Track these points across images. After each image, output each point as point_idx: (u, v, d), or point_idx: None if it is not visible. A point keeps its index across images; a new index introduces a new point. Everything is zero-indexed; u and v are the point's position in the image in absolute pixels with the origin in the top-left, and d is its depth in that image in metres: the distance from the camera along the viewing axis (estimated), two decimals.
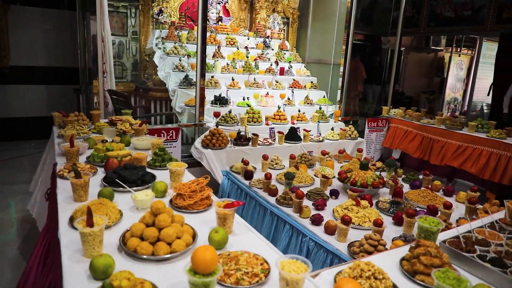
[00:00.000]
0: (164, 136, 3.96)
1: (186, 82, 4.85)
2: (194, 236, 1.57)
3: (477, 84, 7.97)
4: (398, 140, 5.34)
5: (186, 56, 5.20)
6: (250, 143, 4.33)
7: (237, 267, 1.33)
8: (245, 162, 3.92)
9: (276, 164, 4.23)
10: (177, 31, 5.51)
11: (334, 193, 3.45)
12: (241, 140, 4.28)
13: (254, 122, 4.62)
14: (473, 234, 1.67)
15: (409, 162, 5.51)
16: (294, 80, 5.71)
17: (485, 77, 8.17)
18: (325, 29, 6.88)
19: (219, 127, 4.22)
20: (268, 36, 6.43)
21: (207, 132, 4.20)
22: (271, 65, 5.75)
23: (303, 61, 6.49)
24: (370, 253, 2.36)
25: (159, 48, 5.26)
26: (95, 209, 1.65)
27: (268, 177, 3.52)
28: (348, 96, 5.75)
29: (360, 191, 3.32)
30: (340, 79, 5.32)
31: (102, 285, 1.18)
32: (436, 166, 4.85)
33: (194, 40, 5.38)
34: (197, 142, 4.17)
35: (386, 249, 2.19)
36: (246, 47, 5.83)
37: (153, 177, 2.21)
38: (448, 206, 3.00)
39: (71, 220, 1.68)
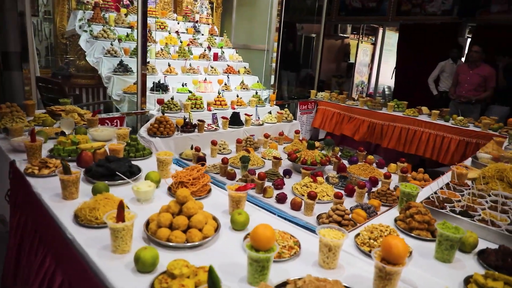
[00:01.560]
0: (108, 126, 3.72)
1: (122, 68, 4.55)
2: (216, 221, 1.61)
3: (382, 69, 9.00)
4: (327, 121, 5.84)
5: (117, 40, 4.86)
6: (197, 130, 4.32)
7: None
8: (197, 149, 3.90)
9: (224, 149, 4.30)
10: (103, 13, 5.08)
11: (288, 173, 3.68)
12: (187, 127, 4.24)
13: (197, 108, 4.60)
14: (439, 194, 2.03)
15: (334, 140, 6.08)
16: (228, 65, 5.78)
17: (388, 62, 9.28)
18: (250, 15, 7.03)
19: (165, 114, 4.11)
20: (197, 21, 6.33)
21: (152, 120, 4.05)
22: (204, 50, 5.71)
23: (235, 47, 6.56)
24: (338, 222, 2.65)
25: (85, 31, 4.80)
26: (104, 205, 1.57)
27: (225, 161, 3.59)
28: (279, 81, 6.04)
29: (312, 169, 3.61)
30: (273, 64, 5.56)
31: (158, 277, 1.19)
32: (360, 142, 5.46)
33: (123, 23, 5.04)
34: (143, 131, 4.00)
35: (351, 219, 2.49)
36: (177, 32, 5.67)
37: (139, 168, 2.14)
38: (388, 176, 3.46)
39: (76, 218, 1.57)
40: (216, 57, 5.68)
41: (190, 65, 5.25)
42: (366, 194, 3.17)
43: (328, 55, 11.42)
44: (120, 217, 1.35)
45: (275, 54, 5.54)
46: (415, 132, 4.86)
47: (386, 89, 10.49)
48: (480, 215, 1.82)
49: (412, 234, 1.68)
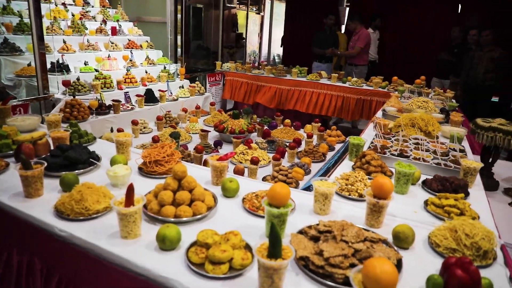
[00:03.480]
0: (21, 114, 3.21)
1: (9, 48, 3.86)
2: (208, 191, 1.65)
3: (273, 38, 9.45)
4: (236, 91, 5.99)
5: None
6: (112, 111, 4.02)
7: None
8: (119, 130, 3.67)
9: (144, 128, 4.13)
10: None
11: (219, 144, 3.77)
12: (102, 108, 3.91)
13: (108, 88, 4.25)
14: (376, 143, 2.40)
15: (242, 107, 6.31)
16: (129, 40, 5.37)
17: (277, 31, 9.77)
18: None
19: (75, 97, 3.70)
20: None
21: (61, 105, 3.63)
22: (101, 24, 5.16)
23: (130, 19, 6.08)
24: (283, 182, 2.90)
25: None
26: (90, 194, 1.47)
27: (155, 139, 3.48)
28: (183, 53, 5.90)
29: (242, 137, 3.76)
30: (179, 37, 5.39)
31: (190, 250, 1.22)
32: (271, 109, 5.80)
33: None
34: None
35: (292, 177, 2.75)
36: (63, 4, 4.98)
37: (96, 154, 1.98)
38: (310, 136, 3.83)
39: (60, 213, 1.43)
40: (114, 31, 5.22)
41: (88, 41, 4.73)
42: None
43: (215, 25, 11.41)
44: (131, 201, 1.30)
45: (171, 26, 5.35)
46: (318, 95, 5.38)
47: (276, 57, 11.10)
48: (411, 155, 2.24)
49: (372, 177, 1.99)
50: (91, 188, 1.50)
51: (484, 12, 6.62)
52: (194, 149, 3.30)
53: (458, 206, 1.61)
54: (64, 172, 1.68)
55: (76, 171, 1.77)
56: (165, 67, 5.16)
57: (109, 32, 5.20)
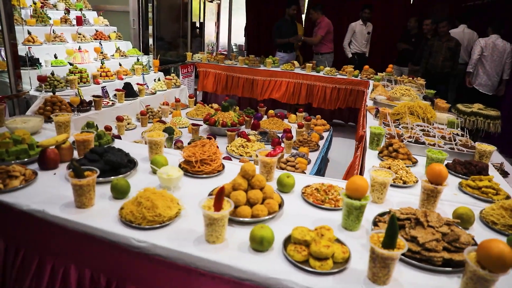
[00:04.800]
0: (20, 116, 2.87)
1: None
2: None
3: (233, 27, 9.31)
4: (210, 82, 5.88)
5: None
6: (93, 107, 3.76)
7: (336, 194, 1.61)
8: (108, 128, 3.46)
9: (129, 124, 3.93)
10: None
11: (213, 137, 3.70)
12: (83, 105, 3.64)
13: (84, 83, 3.95)
14: (392, 132, 2.53)
15: (217, 99, 6.23)
16: (96, 31, 4.99)
17: (237, 20, 9.63)
18: None
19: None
20: None
21: (38, 102, 3.31)
22: (64, 13, 4.73)
23: (94, 8, 5.63)
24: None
25: None
26: (159, 199, 1.40)
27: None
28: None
29: (236, 130, 3.74)
30: (151, 27, 5.13)
31: (289, 248, 1.22)
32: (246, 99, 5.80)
33: None
34: None
35: (298, 167, 2.83)
36: None
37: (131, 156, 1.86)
38: (301, 126, 3.92)
39: (129, 222, 1.34)
40: (80, 21, 4.81)
41: (54, 32, 4.32)
42: None
43: (167, 14, 10.99)
44: (221, 204, 1.26)
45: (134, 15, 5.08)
46: (294, 84, 5.47)
47: (233, 47, 10.98)
48: (424, 141, 2.39)
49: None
50: (155, 193, 1.42)
51: (436, 2, 7.10)
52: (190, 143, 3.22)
53: (493, 186, 1.77)
54: (114, 178, 1.56)
55: (120, 175, 1.66)
56: (138, 59, 4.90)
57: (74, 22, 4.79)
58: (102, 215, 1.42)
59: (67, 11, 4.80)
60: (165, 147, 3.29)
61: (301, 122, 3.98)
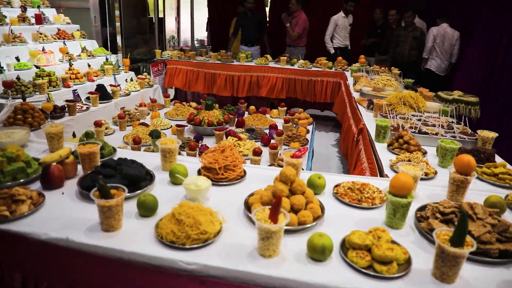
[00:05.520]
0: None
1: None
2: None
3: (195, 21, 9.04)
4: (181, 80, 5.65)
5: None
6: (67, 113, 3.47)
7: (370, 192, 1.59)
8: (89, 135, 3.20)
9: (107, 129, 3.67)
10: None
11: (200, 138, 3.57)
12: (56, 111, 3.35)
13: (54, 87, 3.63)
14: (395, 124, 2.54)
15: (193, 97, 6.03)
16: (59, 29, 4.58)
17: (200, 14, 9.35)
18: None
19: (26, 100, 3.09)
20: None
21: (8, 110, 3.01)
22: (22, 11, 4.29)
23: (52, 5, 5.15)
24: None
25: None
26: (200, 215, 1.29)
27: (137, 141, 3.14)
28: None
29: (224, 129, 3.62)
30: (118, 24, 4.81)
31: (351, 254, 1.18)
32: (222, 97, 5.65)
33: None
34: None
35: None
36: None
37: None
38: (287, 121, 3.88)
39: (170, 243, 1.23)
40: (40, 19, 4.39)
41: (12, 32, 3.91)
42: None
43: (128, 10, 10.46)
44: (277, 215, 1.18)
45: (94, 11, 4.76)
46: (269, 78, 5.41)
47: (195, 42, 10.68)
48: (426, 131, 2.44)
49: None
50: (193, 208, 1.31)
51: None
52: (186, 147, 3.09)
53: (509, 172, 1.83)
54: (139, 193, 1.42)
55: (139, 190, 1.51)
56: (107, 59, 4.59)
57: (33, 21, 4.37)
58: (135, 236, 1.28)
59: (24, 9, 4.36)
60: (153, 151, 3.15)
61: (287, 117, 3.94)
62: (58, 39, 4.45)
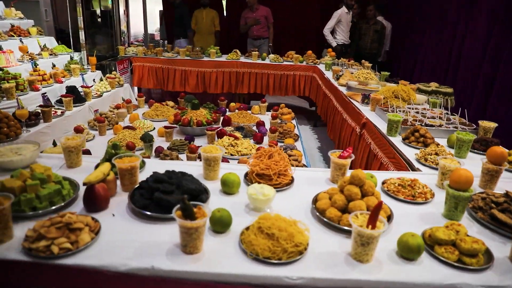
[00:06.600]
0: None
1: None
2: None
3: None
4: (149, 78, 5.38)
5: None
6: (42, 120, 3.15)
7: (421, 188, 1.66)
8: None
9: (87, 134, 3.40)
10: None
11: (192, 139, 3.44)
12: (31, 118, 3.02)
13: (21, 91, 3.25)
14: (405, 118, 2.65)
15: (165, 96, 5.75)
16: (12, 25, 4.07)
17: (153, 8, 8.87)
18: None
19: None
20: None
21: None
22: None
23: None
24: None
25: None
26: (286, 226, 1.26)
27: (131, 146, 2.95)
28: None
29: (216, 128, 3.53)
30: (80, 18, 4.42)
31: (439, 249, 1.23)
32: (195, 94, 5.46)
33: None
34: None
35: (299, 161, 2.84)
36: None
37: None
38: (275, 117, 3.88)
39: (264, 259, 1.18)
40: None
41: None
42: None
43: (64, 5, 9.64)
44: (376, 220, 1.19)
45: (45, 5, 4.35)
46: (243, 74, 5.35)
47: (143, 37, 10.17)
48: (429, 123, 2.59)
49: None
50: (278, 220, 1.27)
51: None
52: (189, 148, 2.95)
53: None
54: (215, 209, 1.33)
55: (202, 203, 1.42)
56: (71, 58, 4.21)
57: None
58: (221, 256, 1.21)
59: None
60: (148, 157, 2.98)
61: (274, 113, 3.94)
62: (12, 36, 3.97)
